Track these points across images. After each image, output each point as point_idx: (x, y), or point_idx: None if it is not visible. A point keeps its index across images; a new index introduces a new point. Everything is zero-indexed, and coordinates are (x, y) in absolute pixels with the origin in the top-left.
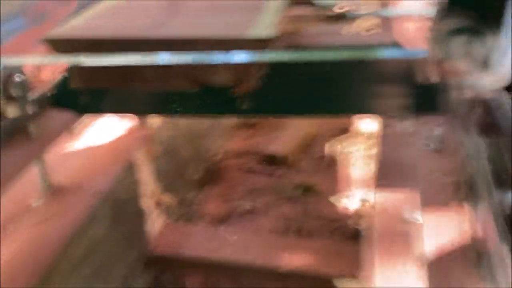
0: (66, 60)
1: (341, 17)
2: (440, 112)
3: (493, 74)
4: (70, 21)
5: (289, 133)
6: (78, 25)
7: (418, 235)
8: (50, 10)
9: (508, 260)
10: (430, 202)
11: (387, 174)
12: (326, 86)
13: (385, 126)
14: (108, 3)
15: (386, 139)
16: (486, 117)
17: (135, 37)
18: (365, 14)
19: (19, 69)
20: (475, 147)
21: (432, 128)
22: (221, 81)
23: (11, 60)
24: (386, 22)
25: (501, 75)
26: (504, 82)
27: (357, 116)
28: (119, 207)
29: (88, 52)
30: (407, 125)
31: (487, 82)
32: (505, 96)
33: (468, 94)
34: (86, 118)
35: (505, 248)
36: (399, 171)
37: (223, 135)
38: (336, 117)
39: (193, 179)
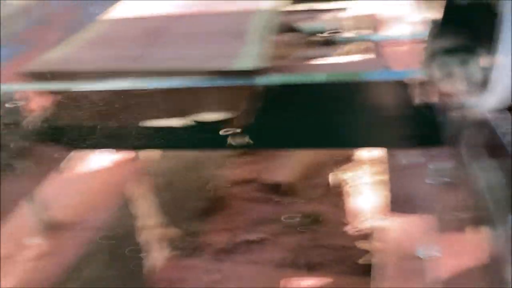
0: (56, 87)
1: (330, 43)
2: (442, 142)
3: (492, 94)
4: (51, 53)
5: (292, 160)
6: (58, 57)
7: (433, 270)
8: (39, 37)
9: None
10: (445, 235)
11: (398, 207)
12: (321, 116)
13: (392, 157)
14: (91, 33)
15: (394, 171)
16: (489, 139)
17: (117, 69)
18: (355, 39)
19: (12, 96)
20: (485, 173)
21: (441, 161)
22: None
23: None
24: (376, 47)
25: (500, 94)
26: (505, 102)
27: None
28: (118, 243)
29: None
30: (417, 157)
31: (487, 102)
32: (506, 116)
33: (471, 115)
34: (77, 153)
35: None
36: (411, 205)
37: (223, 163)
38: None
39: (195, 210)
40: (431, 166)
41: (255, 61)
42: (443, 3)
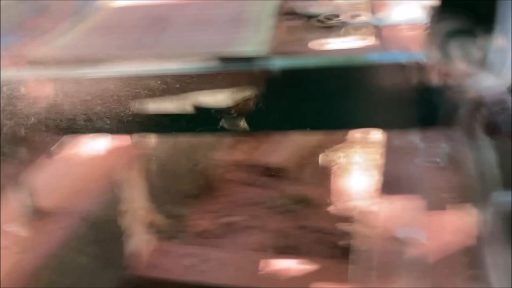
0: (57, 74)
1: (334, 27)
2: (442, 124)
3: (494, 75)
4: (55, 40)
5: (287, 144)
6: (63, 44)
7: (418, 252)
8: (40, 26)
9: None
10: (433, 216)
11: (390, 190)
12: (323, 99)
13: (387, 140)
14: (93, 21)
15: (389, 154)
16: (489, 119)
17: (120, 56)
18: (358, 24)
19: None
20: (481, 152)
21: (438, 144)
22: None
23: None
24: (380, 31)
25: (502, 75)
26: (506, 83)
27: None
28: (105, 229)
29: None
30: (413, 139)
31: (489, 83)
32: (507, 97)
33: (470, 96)
34: (70, 138)
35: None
36: (403, 187)
37: (218, 147)
38: (336, 132)
39: (187, 194)
40: (426, 147)
41: (258, 47)
42: None
